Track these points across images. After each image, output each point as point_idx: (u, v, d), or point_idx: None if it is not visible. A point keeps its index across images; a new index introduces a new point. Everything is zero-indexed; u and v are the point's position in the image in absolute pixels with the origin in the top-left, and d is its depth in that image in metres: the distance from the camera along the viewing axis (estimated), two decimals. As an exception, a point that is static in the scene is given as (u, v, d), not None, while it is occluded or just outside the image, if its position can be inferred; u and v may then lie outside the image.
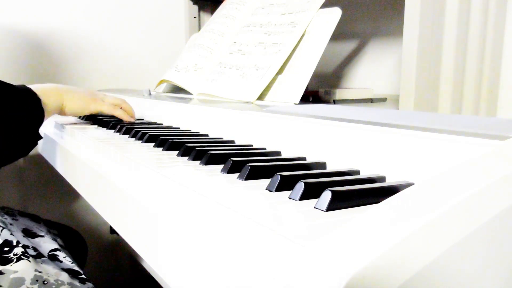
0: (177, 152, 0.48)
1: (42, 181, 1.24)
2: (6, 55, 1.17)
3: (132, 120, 0.77)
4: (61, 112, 0.71)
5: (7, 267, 0.59)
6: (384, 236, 0.19)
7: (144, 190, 0.37)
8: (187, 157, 0.45)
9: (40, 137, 0.65)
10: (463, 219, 0.21)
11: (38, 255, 0.64)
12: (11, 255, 0.61)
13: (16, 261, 0.60)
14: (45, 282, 0.59)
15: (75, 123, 0.76)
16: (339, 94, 0.82)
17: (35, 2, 1.19)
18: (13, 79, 1.17)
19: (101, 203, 0.47)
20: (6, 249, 0.62)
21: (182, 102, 0.76)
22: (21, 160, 1.22)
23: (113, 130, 0.66)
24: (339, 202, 0.27)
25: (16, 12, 1.17)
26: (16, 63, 1.18)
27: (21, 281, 0.57)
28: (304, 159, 0.43)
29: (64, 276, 0.62)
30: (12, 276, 0.57)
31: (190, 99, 0.85)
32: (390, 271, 0.18)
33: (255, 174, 0.36)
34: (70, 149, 0.60)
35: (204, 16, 1.40)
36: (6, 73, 1.17)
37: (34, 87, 0.66)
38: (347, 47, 1.11)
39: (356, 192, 0.28)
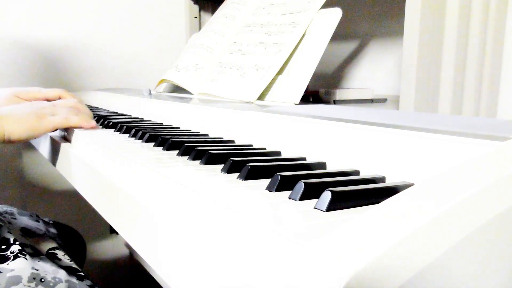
0: (177, 151, 0.48)
1: (42, 180, 1.24)
2: (6, 55, 1.17)
3: (93, 124, 0.64)
4: (5, 141, 0.57)
5: (4, 265, 0.58)
6: (384, 236, 0.19)
7: (144, 190, 0.37)
8: (187, 156, 0.45)
9: None
10: (463, 219, 0.21)
11: (36, 253, 0.64)
12: (8, 253, 0.61)
13: (13, 259, 0.59)
14: (42, 280, 0.58)
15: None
16: (339, 94, 0.82)
17: (35, 2, 1.19)
18: (13, 79, 1.17)
19: (100, 203, 0.47)
20: (3, 247, 0.62)
21: (182, 102, 0.76)
22: (20, 159, 1.22)
23: (113, 130, 0.66)
24: (339, 202, 0.27)
25: (16, 11, 1.17)
26: (15, 62, 1.18)
27: (18, 279, 0.57)
28: (304, 159, 0.43)
29: (62, 274, 0.62)
30: (9, 274, 0.57)
31: (190, 98, 0.85)
32: (390, 271, 0.18)
33: (255, 174, 0.36)
34: (69, 149, 0.60)
35: (205, 16, 1.40)
36: (5, 73, 1.17)
37: None
38: (347, 47, 1.11)
39: (356, 193, 0.28)
